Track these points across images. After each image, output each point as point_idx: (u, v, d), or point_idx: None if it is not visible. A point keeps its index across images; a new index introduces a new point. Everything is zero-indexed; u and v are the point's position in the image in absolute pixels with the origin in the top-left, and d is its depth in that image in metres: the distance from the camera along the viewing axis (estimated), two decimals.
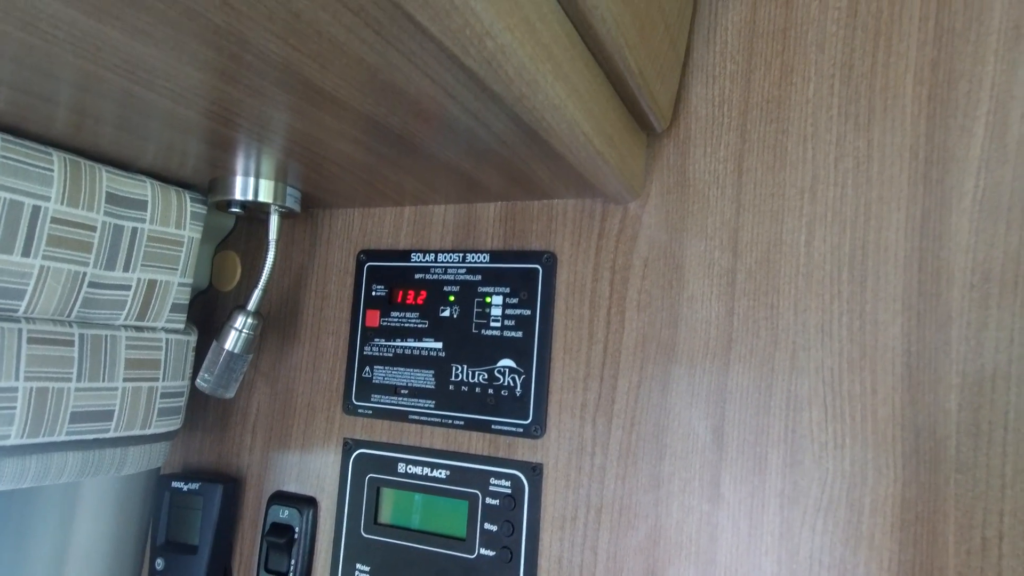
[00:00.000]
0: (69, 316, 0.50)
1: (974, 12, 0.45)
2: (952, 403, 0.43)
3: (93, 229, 0.50)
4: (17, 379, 0.46)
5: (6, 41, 0.31)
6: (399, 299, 0.63)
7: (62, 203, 0.48)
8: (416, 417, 0.60)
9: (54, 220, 0.47)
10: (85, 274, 0.50)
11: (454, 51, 0.29)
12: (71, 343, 0.50)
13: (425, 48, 0.30)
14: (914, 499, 0.44)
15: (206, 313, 0.72)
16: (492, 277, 0.59)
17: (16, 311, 0.47)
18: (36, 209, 0.46)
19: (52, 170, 0.47)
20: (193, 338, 0.61)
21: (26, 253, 0.46)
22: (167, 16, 0.28)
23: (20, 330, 0.47)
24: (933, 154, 0.46)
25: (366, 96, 0.37)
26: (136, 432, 0.55)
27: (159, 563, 0.64)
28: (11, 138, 0.45)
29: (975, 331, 0.43)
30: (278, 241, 0.60)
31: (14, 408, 0.46)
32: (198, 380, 0.59)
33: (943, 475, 0.43)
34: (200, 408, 0.70)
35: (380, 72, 0.33)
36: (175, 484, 0.65)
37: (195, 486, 0.64)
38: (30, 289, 0.47)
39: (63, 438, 0.50)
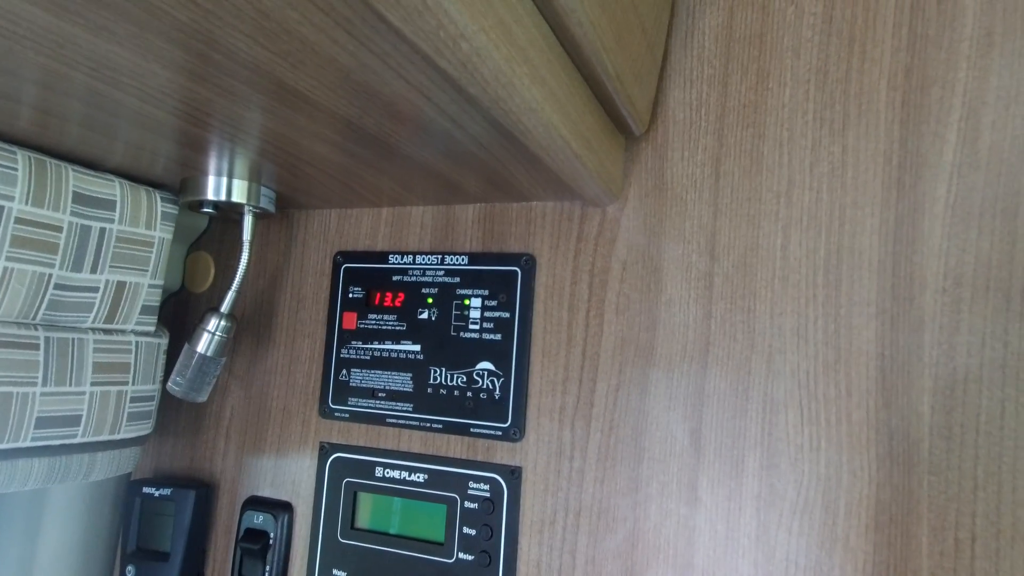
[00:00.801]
0: (34, 319, 0.49)
1: (947, 19, 0.46)
2: (925, 406, 0.44)
3: (59, 229, 0.49)
4: None
5: None
6: (376, 301, 0.62)
7: (27, 203, 0.46)
8: (394, 420, 0.59)
9: (18, 220, 0.46)
10: (51, 276, 0.49)
11: (428, 53, 0.28)
12: (36, 346, 0.49)
13: (399, 49, 0.29)
14: (888, 501, 0.44)
15: (179, 315, 0.70)
16: (471, 279, 0.59)
17: None
18: (0, 209, 0.45)
19: (16, 169, 0.46)
20: (164, 341, 0.60)
21: None
22: (130, 13, 0.28)
23: None
24: (906, 160, 0.46)
25: (340, 97, 0.36)
26: (105, 437, 0.54)
27: (130, 571, 0.62)
28: None
29: (947, 335, 0.44)
30: (252, 242, 0.59)
31: None
32: (169, 384, 0.58)
33: (916, 477, 0.44)
34: (172, 412, 0.69)
35: (353, 73, 0.33)
36: (146, 490, 0.64)
37: (167, 491, 0.63)
38: None
39: (28, 444, 0.48)
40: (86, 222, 0.50)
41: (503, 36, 0.30)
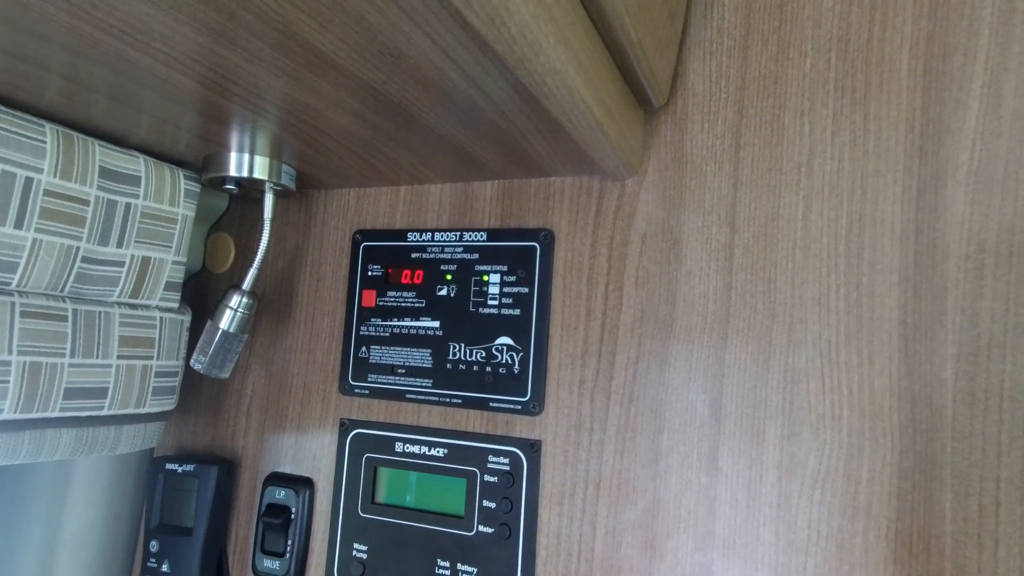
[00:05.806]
0: (62, 291, 0.50)
1: None
2: (948, 372, 0.44)
3: (86, 203, 0.49)
4: (10, 352, 0.46)
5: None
6: (395, 279, 0.62)
7: (55, 176, 0.47)
8: (413, 396, 0.60)
9: (47, 193, 0.47)
10: (78, 248, 0.50)
11: (457, 6, 0.29)
12: (64, 318, 0.50)
13: (427, 4, 0.29)
14: (911, 468, 0.44)
15: (200, 296, 0.71)
16: (489, 255, 0.59)
17: (8, 284, 0.46)
18: (29, 181, 0.46)
19: (45, 142, 0.47)
20: (187, 318, 0.61)
21: (19, 225, 0.46)
22: None
23: (12, 303, 0.46)
24: (928, 127, 0.46)
25: (365, 60, 0.37)
26: (131, 411, 0.55)
27: (153, 545, 0.63)
28: (3, 108, 0.45)
29: (970, 301, 0.44)
30: (273, 220, 0.60)
31: (7, 382, 0.46)
32: (192, 360, 0.59)
33: (940, 444, 0.44)
34: (193, 391, 0.70)
35: (381, 32, 0.33)
36: (169, 466, 0.64)
37: (190, 468, 0.64)
38: (23, 262, 0.46)
39: (57, 414, 0.49)
40: (112, 197, 0.51)
41: None
